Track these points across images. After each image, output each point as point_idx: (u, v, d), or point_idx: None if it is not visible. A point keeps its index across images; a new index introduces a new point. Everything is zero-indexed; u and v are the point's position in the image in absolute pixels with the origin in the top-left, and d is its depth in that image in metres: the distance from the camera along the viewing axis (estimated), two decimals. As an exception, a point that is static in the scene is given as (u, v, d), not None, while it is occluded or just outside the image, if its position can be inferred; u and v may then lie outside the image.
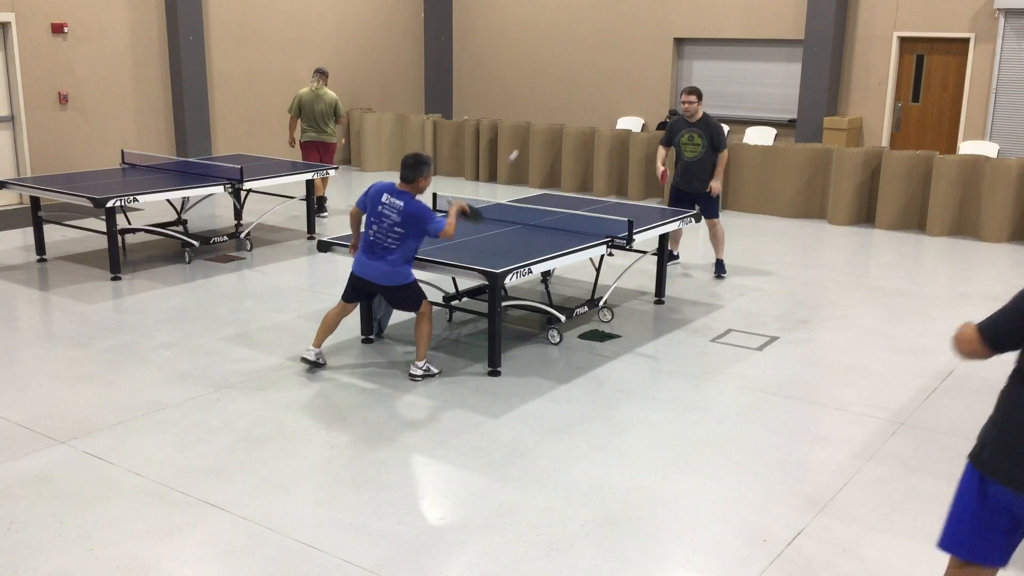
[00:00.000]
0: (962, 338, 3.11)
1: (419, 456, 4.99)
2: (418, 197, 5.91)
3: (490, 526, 4.29)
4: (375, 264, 5.92)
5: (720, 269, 8.77)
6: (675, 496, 4.59)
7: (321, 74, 11.21)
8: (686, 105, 8.44)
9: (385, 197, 5.88)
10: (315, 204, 10.73)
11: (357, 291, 6.17)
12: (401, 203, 5.82)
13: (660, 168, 8.69)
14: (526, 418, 5.49)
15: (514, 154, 7.81)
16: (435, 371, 6.12)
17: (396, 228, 5.83)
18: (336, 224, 10.80)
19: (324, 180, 11.20)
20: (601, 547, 4.13)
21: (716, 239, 8.75)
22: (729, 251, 9.74)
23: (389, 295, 6.07)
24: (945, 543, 3.17)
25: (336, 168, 10.32)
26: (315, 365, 6.19)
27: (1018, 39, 12.48)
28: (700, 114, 8.51)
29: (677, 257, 9.20)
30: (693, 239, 10.28)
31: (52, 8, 11.71)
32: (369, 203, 5.95)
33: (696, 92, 8.45)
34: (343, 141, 11.87)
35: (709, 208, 8.59)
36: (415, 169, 5.87)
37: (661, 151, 8.77)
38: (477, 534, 4.22)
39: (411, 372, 6.07)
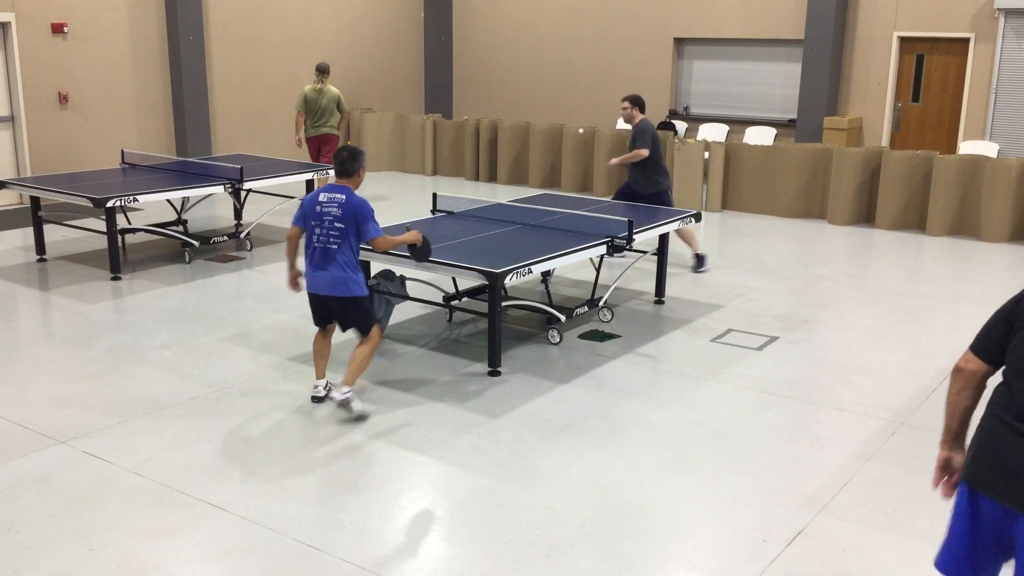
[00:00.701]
0: (956, 366, 3.03)
1: (419, 456, 4.99)
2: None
3: (490, 526, 4.29)
4: (325, 273, 5.38)
5: (700, 263, 8.99)
6: (675, 496, 4.59)
7: (322, 72, 11.49)
8: (622, 111, 8.86)
9: (323, 196, 5.39)
10: None
11: (322, 311, 5.60)
12: (343, 196, 5.35)
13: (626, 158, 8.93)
14: (526, 418, 5.49)
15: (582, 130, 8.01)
16: (356, 408, 5.40)
17: (337, 224, 5.33)
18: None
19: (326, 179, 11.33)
20: (601, 547, 4.13)
21: (685, 236, 8.88)
22: (729, 251, 9.75)
23: (341, 311, 5.49)
24: (941, 565, 3.11)
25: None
26: (325, 399, 5.72)
27: (1018, 39, 12.48)
28: (637, 119, 8.83)
29: (704, 258, 9.06)
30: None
31: (52, 8, 11.71)
32: (308, 213, 5.42)
33: (630, 99, 8.81)
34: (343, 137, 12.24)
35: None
36: (354, 160, 5.43)
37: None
38: (477, 534, 4.22)
39: (331, 394, 5.50)
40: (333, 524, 4.30)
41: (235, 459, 4.93)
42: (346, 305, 5.44)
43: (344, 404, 5.40)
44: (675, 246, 9.61)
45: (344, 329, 5.66)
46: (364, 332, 5.52)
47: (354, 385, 5.47)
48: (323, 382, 5.73)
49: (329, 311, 5.56)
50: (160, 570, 3.92)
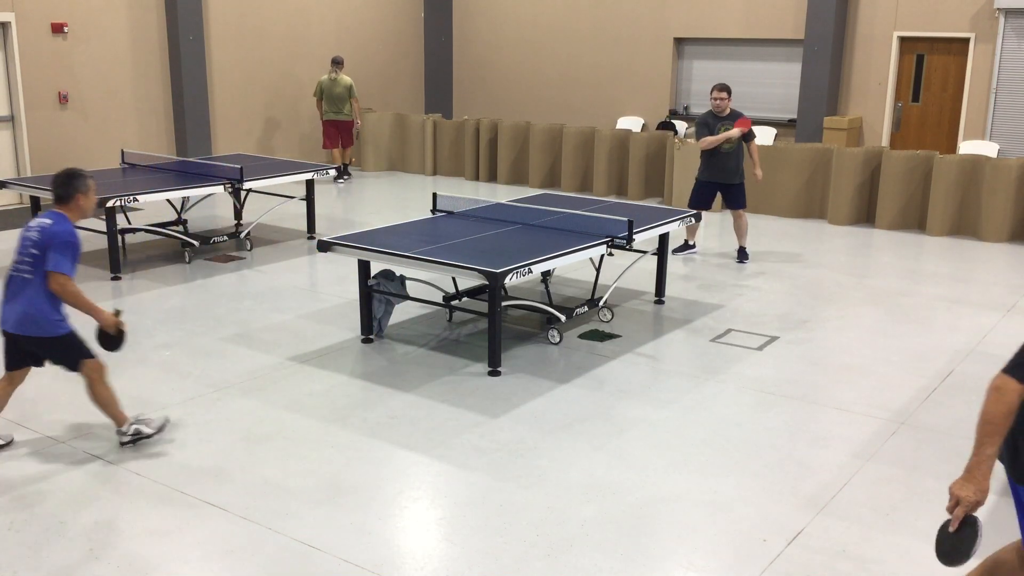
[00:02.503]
0: (991, 389, 2.91)
1: (419, 456, 4.99)
2: (79, 221, 4.84)
3: (490, 526, 4.29)
4: (10, 307, 4.69)
5: (743, 256, 9.33)
6: (675, 496, 4.59)
7: (336, 63, 13.54)
8: (717, 101, 9.06)
9: (33, 221, 4.74)
10: (339, 170, 13.09)
11: (13, 350, 4.84)
12: (50, 221, 4.66)
13: (732, 132, 9.01)
14: (526, 418, 5.49)
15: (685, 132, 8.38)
16: (149, 431, 5.00)
17: (32, 250, 4.61)
18: (330, 223, 10.79)
19: (346, 151, 13.89)
20: (601, 547, 4.13)
21: (741, 228, 9.35)
22: (729, 251, 9.75)
23: (42, 351, 4.80)
24: None
25: (337, 169, 10.32)
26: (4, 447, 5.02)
27: (1018, 39, 12.48)
28: (729, 110, 9.13)
29: (693, 247, 9.63)
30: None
31: (52, 8, 11.71)
32: (20, 237, 4.78)
33: (726, 88, 9.12)
34: (358, 123, 13.93)
35: (737, 199, 9.28)
36: (67, 185, 4.73)
37: (710, 137, 9.13)
38: (477, 534, 4.22)
39: (120, 440, 4.99)
40: (333, 524, 4.30)
41: (235, 459, 4.93)
42: (42, 344, 4.76)
43: (136, 438, 4.99)
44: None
45: (55, 364, 4.91)
46: (74, 368, 4.83)
47: (127, 420, 4.99)
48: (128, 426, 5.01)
49: (25, 351, 4.83)
50: (160, 570, 3.92)
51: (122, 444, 5.02)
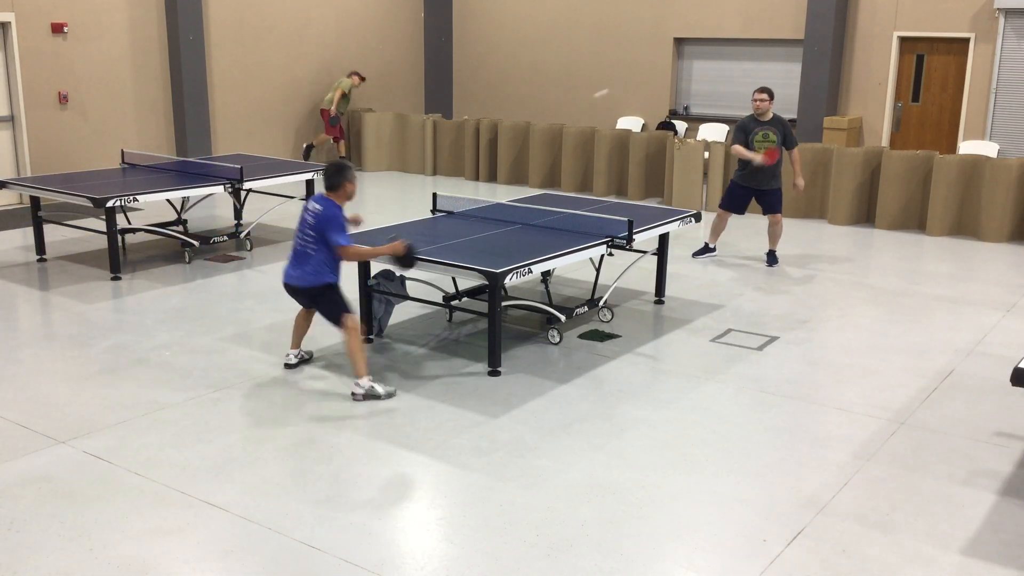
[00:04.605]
0: None
1: (419, 456, 4.99)
2: (346, 204, 5.91)
3: (490, 526, 4.29)
4: (295, 272, 5.89)
5: (772, 259, 9.22)
6: (675, 496, 4.59)
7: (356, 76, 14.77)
8: (758, 103, 8.89)
9: (310, 204, 5.86)
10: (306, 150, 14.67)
11: (301, 298, 6.11)
12: (321, 208, 5.78)
13: (757, 157, 8.83)
14: (526, 418, 5.49)
15: (603, 91, 8.22)
16: (381, 392, 5.75)
17: (310, 232, 5.79)
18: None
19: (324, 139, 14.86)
20: (601, 547, 4.13)
21: (775, 235, 9.22)
22: (728, 251, 9.75)
23: (311, 299, 5.98)
24: None
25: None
26: (298, 365, 6.28)
27: (1018, 39, 12.48)
28: (771, 113, 8.97)
29: (713, 250, 9.56)
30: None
31: (52, 8, 11.71)
32: (300, 216, 5.94)
33: (768, 91, 8.94)
34: (332, 111, 14.52)
35: (774, 204, 9.11)
36: (336, 175, 5.82)
37: (741, 148, 8.97)
38: (477, 534, 4.22)
39: (352, 391, 5.78)
40: (333, 524, 4.30)
41: (235, 459, 4.93)
42: (312, 293, 5.91)
43: (369, 394, 5.73)
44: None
45: (322, 315, 6.01)
46: (335, 320, 5.84)
47: (366, 375, 5.76)
48: (295, 351, 6.30)
49: (303, 298, 6.07)
50: (160, 570, 3.92)
51: (353, 396, 5.74)
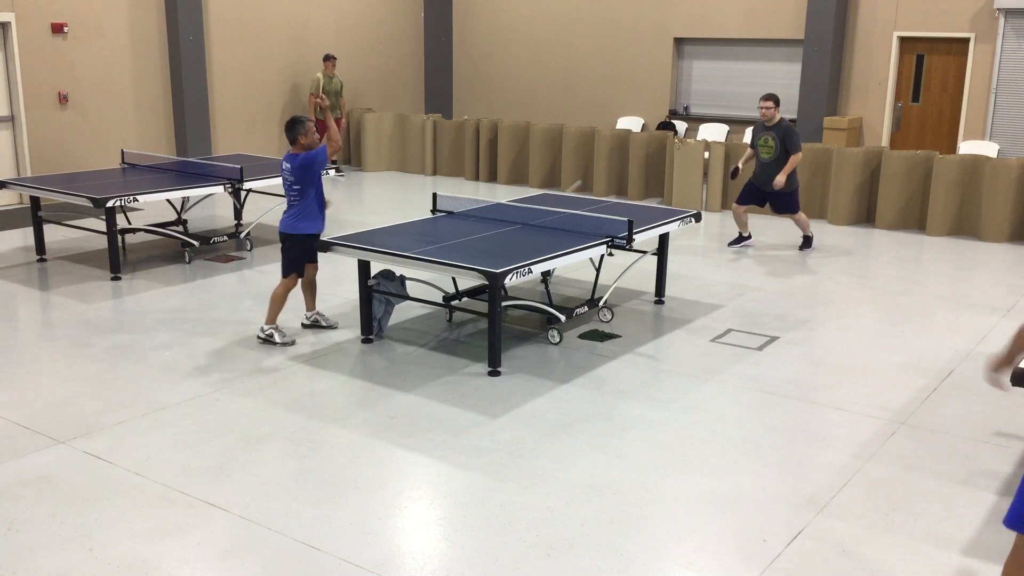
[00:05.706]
0: None
1: (419, 456, 4.99)
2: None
3: (490, 526, 4.29)
4: (283, 220, 6.73)
5: (806, 243, 9.84)
6: (675, 496, 4.59)
7: (332, 59, 14.21)
8: (763, 111, 9.38)
9: (283, 165, 6.64)
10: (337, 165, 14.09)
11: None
12: (289, 164, 6.53)
13: (736, 165, 9.84)
14: (526, 418, 5.49)
15: (577, 183, 9.67)
16: (277, 340, 6.60)
17: (294, 186, 6.57)
18: (330, 223, 10.80)
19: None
20: (601, 547, 4.13)
21: (800, 225, 9.78)
22: (729, 251, 9.76)
23: (287, 246, 6.70)
24: (1011, 521, 3.20)
25: (338, 168, 10.32)
26: (312, 327, 7.01)
27: (1018, 39, 12.48)
28: (776, 119, 9.42)
29: (748, 237, 10.04)
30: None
31: (52, 8, 11.71)
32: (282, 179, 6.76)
33: (773, 98, 9.41)
34: (344, 121, 14.63)
35: (785, 206, 9.64)
36: (290, 131, 6.54)
37: (748, 151, 9.84)
38: (477, 534, 4.22)
39: (257, 334, 6.74)
40: (333, 524, 4.30)
41: (235, 459, 4.93)
42: (285, 239, 6.69)
43: (267, 340, 6.64)
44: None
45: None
46: (282, 270, 6.73)
47: (270, 323, 6.68)
48: (311, 314, 7.07)
49: (285, 246, 6.76)
50: (160, 570, 3.92)
51: (258, 338, 6.70)
